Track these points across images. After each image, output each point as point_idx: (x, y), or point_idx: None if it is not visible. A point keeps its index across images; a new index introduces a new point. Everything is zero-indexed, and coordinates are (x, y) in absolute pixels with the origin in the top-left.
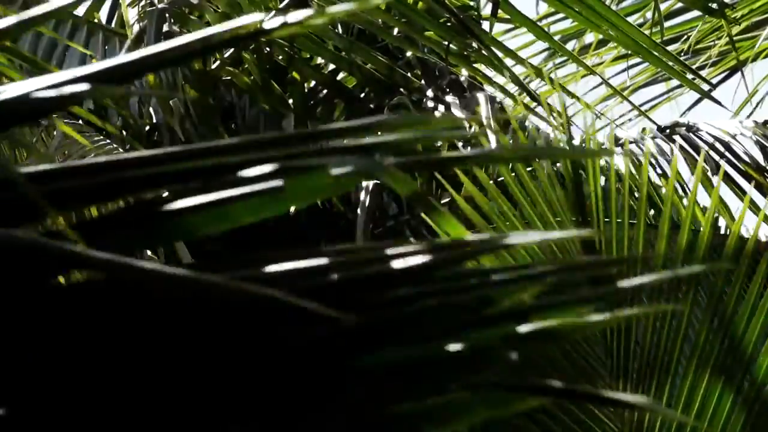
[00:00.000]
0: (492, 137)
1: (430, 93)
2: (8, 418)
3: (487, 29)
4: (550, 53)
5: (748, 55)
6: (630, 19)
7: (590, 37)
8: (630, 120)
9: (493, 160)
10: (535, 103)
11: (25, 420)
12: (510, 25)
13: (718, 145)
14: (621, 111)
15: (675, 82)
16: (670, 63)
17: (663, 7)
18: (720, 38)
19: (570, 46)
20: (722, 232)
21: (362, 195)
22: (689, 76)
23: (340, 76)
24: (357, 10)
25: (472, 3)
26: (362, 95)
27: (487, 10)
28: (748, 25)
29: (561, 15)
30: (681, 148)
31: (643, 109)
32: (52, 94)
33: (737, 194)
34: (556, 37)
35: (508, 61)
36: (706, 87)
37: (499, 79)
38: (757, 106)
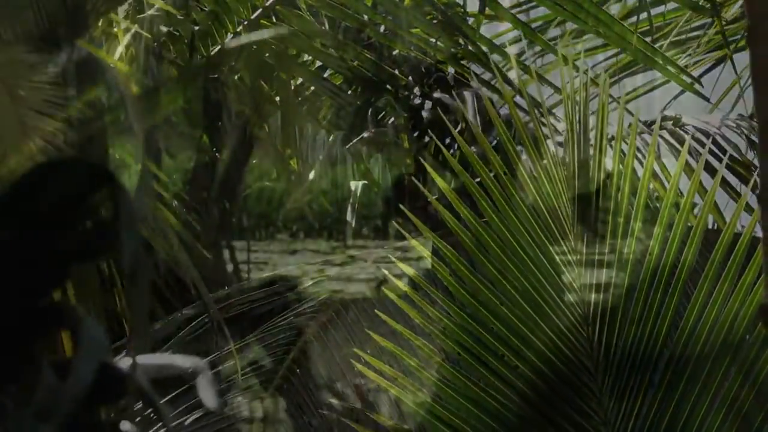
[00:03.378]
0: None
1: (416, 90)
2: None
3: (473, 24)
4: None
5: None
6: (613, 8)
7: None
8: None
9: None
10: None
11: None
12: (491, 15)
13: (704, 139)
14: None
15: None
16: (654, 57)
17: None
18: (704, 28)
19: (556, 30)
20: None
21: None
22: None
23: (327, 73)
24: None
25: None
26: (349, 92)
27: (471, 5)
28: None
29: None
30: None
31: (628, 98)
32: None
33: (725, 190)
34: (538, 23)
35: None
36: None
37: (477, 69)
38: (739, 96)
